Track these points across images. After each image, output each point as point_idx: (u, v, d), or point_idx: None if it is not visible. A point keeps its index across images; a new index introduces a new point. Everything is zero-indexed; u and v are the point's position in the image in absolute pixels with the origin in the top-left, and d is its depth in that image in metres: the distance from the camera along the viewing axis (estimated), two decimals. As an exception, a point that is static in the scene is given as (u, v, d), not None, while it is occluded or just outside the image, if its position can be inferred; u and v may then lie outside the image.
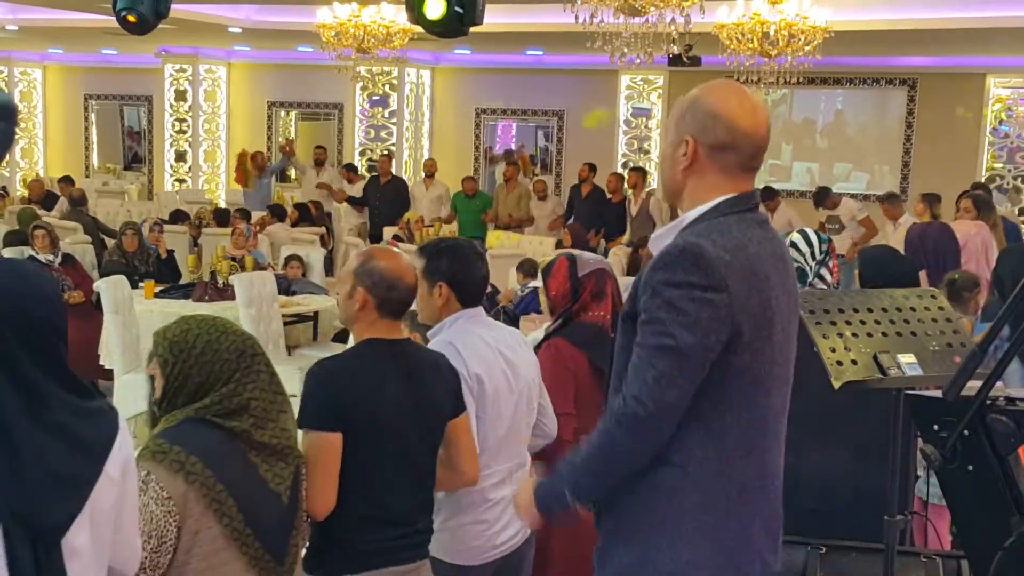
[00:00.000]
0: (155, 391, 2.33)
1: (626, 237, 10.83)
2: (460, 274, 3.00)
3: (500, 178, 12.85)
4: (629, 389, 2.01)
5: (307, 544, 2.54)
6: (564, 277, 3.46)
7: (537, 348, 3.48)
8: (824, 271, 4.24)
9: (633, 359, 2.02)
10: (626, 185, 11.26)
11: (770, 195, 10.96)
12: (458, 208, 11.94)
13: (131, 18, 6.48)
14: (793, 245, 4.22)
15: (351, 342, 2.84)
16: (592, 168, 11.59)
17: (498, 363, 3.00)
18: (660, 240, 2.12)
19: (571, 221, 11.18)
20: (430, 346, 2.95)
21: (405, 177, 13.15)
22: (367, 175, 13.02)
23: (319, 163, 12.65)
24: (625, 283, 4.36)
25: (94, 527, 1.78)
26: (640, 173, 11.20)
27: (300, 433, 2.50)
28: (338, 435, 2.52)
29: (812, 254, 4.22)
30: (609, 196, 11.23)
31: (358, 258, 2.74)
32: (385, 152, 13.36)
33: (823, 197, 10.49)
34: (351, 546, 2.58)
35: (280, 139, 15.49)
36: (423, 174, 12.64)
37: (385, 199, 11.84)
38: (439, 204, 12.10)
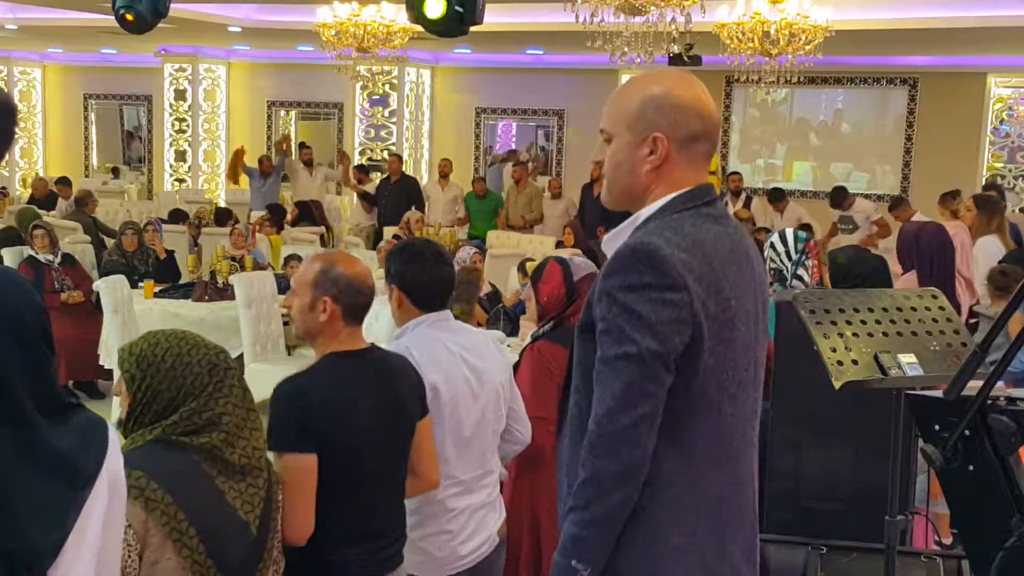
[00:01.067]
0: (120, 409, 2.19)
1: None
2: (409, 275, 2.88)
3: (506, 178, 12.87)
4: (598, 407, 1.88)
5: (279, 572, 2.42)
6: (559, 282, 3.43)
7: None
8: (801, 271, 4.21)
9: (597, 373, 1.90)
10: None
11: (779, 196, 10.98)
12: (470, 209, 11.98)
13: (129, 17, 6.47)
14: (771, 246, 4.23)
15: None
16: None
17: (459, 369, 2.91)
18: (613, 241, 2.02)
19: (575, 219, 11.20)
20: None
21: (439, 179, 13.10)
22: (377, 176, 13.09)
23: (307, 163, 12.69)
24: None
25: (78, 552, 1.71)
26: None
27: (271, 455, 2.39)
28: (314, 456, 2.42)
29: (787, 253, 4.20)
30: None
31: (315, 266, 2.61)
32: (394, 152, 13.42)
33: (841, 198, 10.44)
34: (330, 564, 2.50)
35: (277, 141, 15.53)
36: (437, 175, 12.66)
37: (393, 198, 11.87)
38: (454, 205, 12.13)
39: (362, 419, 2.52)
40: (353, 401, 2.52)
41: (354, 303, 2.58)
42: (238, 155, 12.47)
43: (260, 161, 12.40)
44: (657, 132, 1.98)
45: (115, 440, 1.80)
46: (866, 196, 12.16)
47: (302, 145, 13.44)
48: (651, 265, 1.86)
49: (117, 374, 2.22)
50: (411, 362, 2.76)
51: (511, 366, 3.23)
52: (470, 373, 2.93)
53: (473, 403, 2.94)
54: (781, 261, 4.22)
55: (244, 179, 12.66)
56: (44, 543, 1.66)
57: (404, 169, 13.60)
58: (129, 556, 1.98)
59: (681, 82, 2.02)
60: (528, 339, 3.75)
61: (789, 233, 4.31)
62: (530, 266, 4.37)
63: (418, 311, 2.91)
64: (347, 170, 12.59)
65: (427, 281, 2.89)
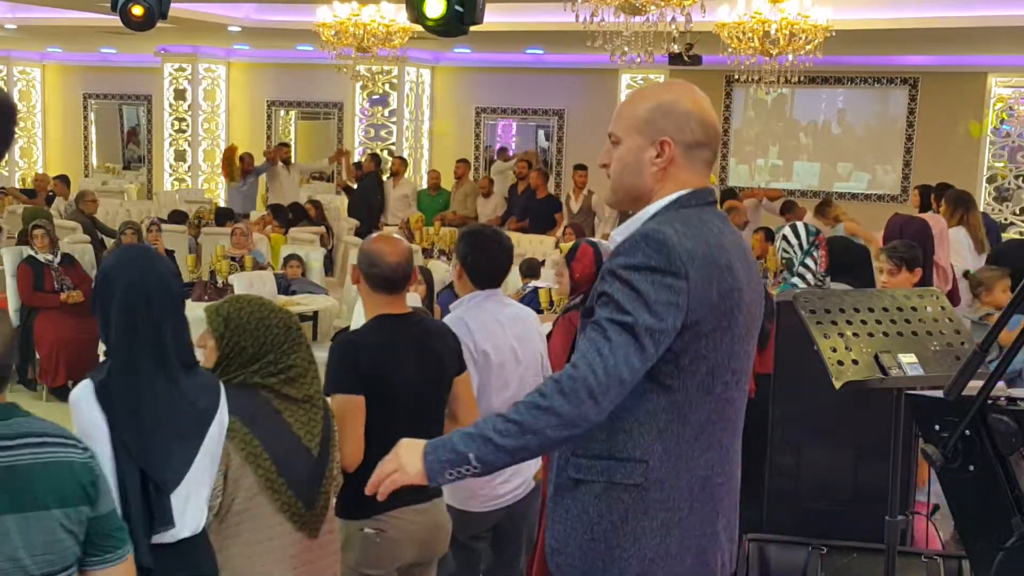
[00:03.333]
0: (206, 359, 2.62)
1: (560, 231, 11.00)
2: (471, 257, 3.39)
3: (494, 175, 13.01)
4: (581, 358, 1.95)
5: (338, 492, 2.84)
6: (590, 261, 3.82)
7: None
8: (809, 260, 4.63)
9: (588, 333, 1.98)
10: (573, 183, 11.53)
11: (790, 207, 10.85)
12: (422, 205, 12.22)
13: (138, 9, 6.43)
14: (784, 238, 4.69)
15: (356, 322, 3.12)
16: (530, 165, 11.97)
17: (506, 338, 3.39)
18: (622, 235, 2.11)
19: (510, 218, 11.66)
20: (446, 319, 3.36)
21: (405, 176, 13.22)
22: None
23: (285, 161, 12.86)
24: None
25: (194, 481, 2.28)
26: (586, 171, 11.38)
27: (328, 398, 2.82)
28: (361, 397, 2.85)
29: (800, 244, 4.64)
30: (533, 190, 11.61)
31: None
32: (371, 152, 13.65)
33: (724, 198, 10.48)
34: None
35: (276, 141, 15.61)
36: (389, 173, 12.99)
37: (357, 194, 12.42)
38: (406, 202, 12.35)
39: (402, 367, 2.94)
40: (394, 352, 2.96)
41: (369, 272, 3.01)
42: (232, 152, 12.67)
43: (242, 159, 12.55)
44: (665, 136, 2.10)
45: (224, 397, 2.39)
46: (867, 196, 12.17)
47: (280, 144, 13.60)
48: (658, 250, 1.97)
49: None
50: (462, 332, 3.24)
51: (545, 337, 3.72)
52: (515, 341, 3.41)
53: (516, 366, 3.42)
54: (793, 251, 4.64)
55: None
56: (176, 471, 2.26)
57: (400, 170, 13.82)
58: (217, 477, 2.45)
59: (687, 92, 2.15)
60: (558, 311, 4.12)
61: (800, 226, 4.72)
62: (564, 247, 4.94)
63: (474, 287, 3.41)
64: (348, 166, 12.90)
65: (485, 265, 3.42)
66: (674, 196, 2.10)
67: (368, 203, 12.22)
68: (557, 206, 11.47)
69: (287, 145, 13.58)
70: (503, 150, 14.73)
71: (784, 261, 4.71)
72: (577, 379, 1.93)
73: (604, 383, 1.92)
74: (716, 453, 2.09)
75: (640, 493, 2.03)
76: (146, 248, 2.48)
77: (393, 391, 2.91)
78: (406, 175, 12.87)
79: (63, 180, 12.96)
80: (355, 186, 12.63)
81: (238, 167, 12.53)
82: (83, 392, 2.21)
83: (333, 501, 2.79)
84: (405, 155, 14.30)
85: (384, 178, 12.75)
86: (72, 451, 2.04)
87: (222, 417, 2.37)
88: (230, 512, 2.52)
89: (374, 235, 3.18)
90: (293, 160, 13.34)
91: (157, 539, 2.24)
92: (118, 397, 2.19)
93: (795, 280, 4.66)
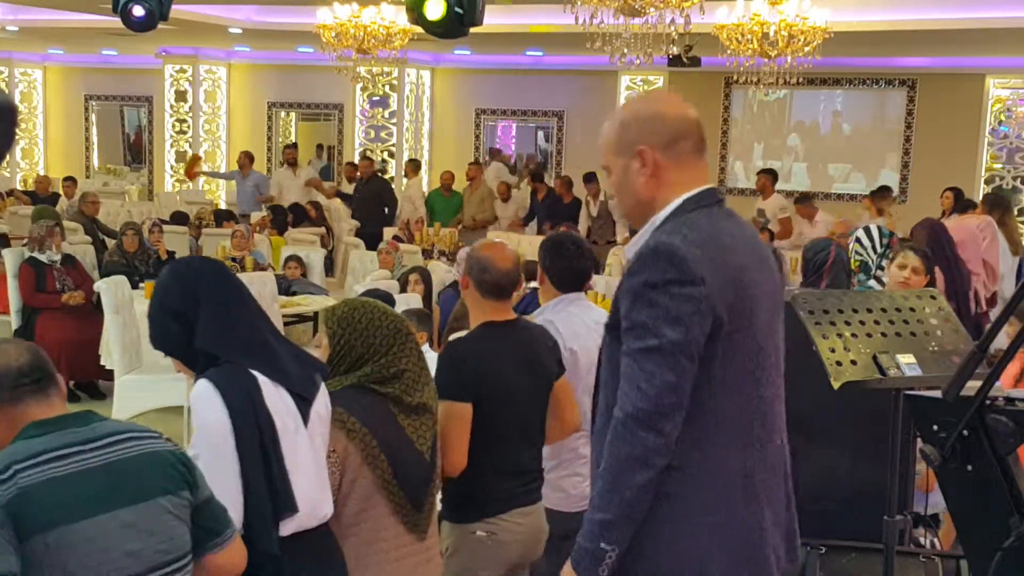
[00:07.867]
0: (320, 357, 2.69)
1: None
2: (549, 263, 3.53)
3: (488, 179, 13.04)
4: (624, 398, 1.99)
5: (439, 495, 2.90)
6: None
7: None
8: (885, 263, 4.61)
9: (623, 368, 2.01)
10: (587, 193, 11.57)
11: (806, 198, 10.90)
12: (435, 207, 12.16)
13: (139, 11, 6.45)
14: (857, 240, 4.71)
15: None
16: (540, 178, 12.18)
17: (592, 338, 3.40)
18: (634, 245, 2.14)
19: (532, 222, 11.84)
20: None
21: (415, 178, 13.23)
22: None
23: (291, 163, 12.87)
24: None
25: (302, 459, 2.32)
26: (595, 181, 11.49)
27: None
28: (468, 405, 2.94)
29: (873, 247, 4.67)
30: (559, 196, 11.75)
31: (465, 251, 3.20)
32: (368, 153, 13.69)
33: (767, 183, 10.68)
34: (484, 496, 3.05)
35: (277, 141, 15.69)
36: (436, 177, 13.04)
37: (363, 198, 12.26)
38: (411, 203, 12.33)
39: (507, 375, 3.02)
40: (500, 360, 3.03)
41: (481, 278, 3.08)
42: (195, 160, 13.29)
43: (246, 152, 12.66)
44: (639, 145, 2.12)
45: (322, 385, 2.44)
46: (864, 197, 12.18)
47: (288, 146, 13.69)
48: (670, 262, 1.99)
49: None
50: (551, 329, 3.33)
51: None
52: (601, 342, 3.43)
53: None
54: (867, 254, 4.66)
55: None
56: (314, 390, 2.39)
57: (404, 170, 13.78)
58: (334, 474, 2.52)
59: (644, 99, 2.23)
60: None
61: (874, 228, 4.76)
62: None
63: (557, 292, 3.52)
64: (326, 191, 13.00)
65: (565, 269, 3.53)
66: (679, 201, 2.11)
67: (381, 204, 12.10)
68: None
69: (292, 146, 13.60)
70: (497, 151, 14.76)
71: (859, 264, 4.70)
72: (626, 419, 1.98)
73: (651, 411, 1.96)
74: (754, 450, 2.10)
75: (676, 501, 2.03)
76: (186, 259, 2.57)
77: (501, 398, 3.00)
78: (416, 176, 12.87)
79: (71, 182, 13.00)
80: (350, 192, 12.62)
81: (199, 169, 12.76)
82: (203, 390, 2.24)
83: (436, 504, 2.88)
84: (405, 156, 14.32)
85: (404, 178, 12.79)
86: (157, 442, 2.13)
87: (324, 400, 2.43)
88: (346, 512, 2.58)
89: (480, 243, 3.24)
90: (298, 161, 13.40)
91: (286, 528, 2.29)
92: (239, 388, 2.24)
93: (871, 283, 4.58)
